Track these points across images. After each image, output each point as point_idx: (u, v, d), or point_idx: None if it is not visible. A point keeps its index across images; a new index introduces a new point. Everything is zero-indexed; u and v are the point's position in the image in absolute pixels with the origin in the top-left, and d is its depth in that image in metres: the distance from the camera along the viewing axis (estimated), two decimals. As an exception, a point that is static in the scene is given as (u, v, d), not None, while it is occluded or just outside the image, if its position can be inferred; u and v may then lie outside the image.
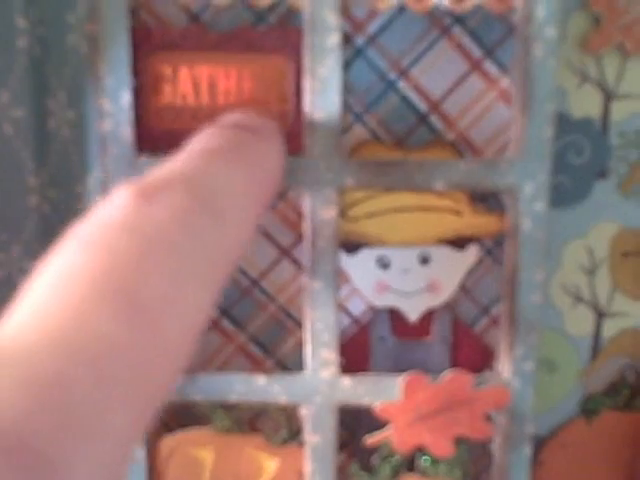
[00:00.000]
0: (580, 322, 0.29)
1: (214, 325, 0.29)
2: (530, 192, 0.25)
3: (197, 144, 0.21)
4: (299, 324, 0.29)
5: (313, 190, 0.25)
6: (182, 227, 0.18)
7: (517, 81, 0.25)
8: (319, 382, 0.26)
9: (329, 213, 0.25)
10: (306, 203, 0.25)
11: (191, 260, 0.18)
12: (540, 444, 0.30)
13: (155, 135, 0.26)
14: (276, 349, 0.29)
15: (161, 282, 0.17)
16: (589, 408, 0.30)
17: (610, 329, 0.30)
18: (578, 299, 0.29)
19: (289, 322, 0.29)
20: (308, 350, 0.26)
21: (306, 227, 0.25)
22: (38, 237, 0.27)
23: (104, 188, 0.25)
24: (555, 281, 0.29)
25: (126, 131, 0.24)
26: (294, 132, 0.25)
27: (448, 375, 0.26)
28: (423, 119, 0.27)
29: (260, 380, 0.26)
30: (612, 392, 0.30)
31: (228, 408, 0.27)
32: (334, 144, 0.24)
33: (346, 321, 0.29)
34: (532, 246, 0.25)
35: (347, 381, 0.26)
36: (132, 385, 0.16)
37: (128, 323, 0.16)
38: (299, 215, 0.28)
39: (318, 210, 0.25)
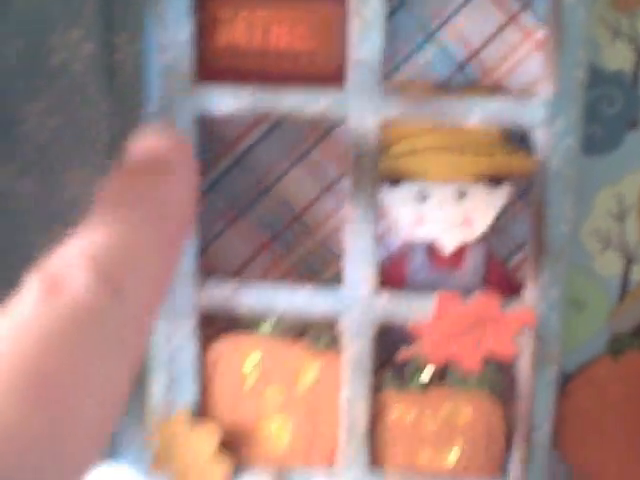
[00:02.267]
0: (609, 265, 0.31)
1: (261, 252, 0.31)
2: (560, 128, 0.27)
3: (103, 207, 0.22)
4: (340, 255, 0.31)
5: (356, 121, 0.27)
6: (88, 311, 0.19)
7: (550, 28, 0.27)
8: (357, 297, 0.29)
9: (370, 142, 0.27)
10: (349, 134, 0.27)
11: (99, 339, 0.19)
12: (567, 380, 0.32)
13: (210, 70, 0.28)
14: (320, 275, 0.31)
15: (69, 363, 0.19)
16: (616, 347, 0.32)
17: (638, 273, 0.31)
18: (608, 243, 0.31)
19: (330, 253, 0.31)
20: (348, 267, 0.28)
21: (348, 155, 0.28)
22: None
23: (164, 114, 0.28)
24: (586, 226, 0.31)
25: (185, 62, 0.27)
26: (339, 69, 0.28)
27: (478, 296, 0.28)
28: (461, 67, 0.30)
29: (303, 293, 0.29)
30: (638, 333, 0.32)
31: (275, 316, 0.29)
32: (376, 79, 0.27)
33: (385, 255, 0.31)
34: (560, 180, 0.27)
35: (384, 297, 0.29)
36: (52, 462, 0.18)
37: (38, 403, 0.18)
38: (342, 151, 0.30)
39: (360, 140, 0.27)
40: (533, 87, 0.29)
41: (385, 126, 0.28)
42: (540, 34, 0.29)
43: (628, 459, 0.32)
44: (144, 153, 0.24)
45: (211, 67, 0.28)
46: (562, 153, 0.27)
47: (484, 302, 0.28)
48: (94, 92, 0.29)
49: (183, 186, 0.23)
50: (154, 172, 0.23)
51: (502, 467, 0.30)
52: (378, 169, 0.28)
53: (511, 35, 0.29)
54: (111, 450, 0.33)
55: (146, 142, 0.24)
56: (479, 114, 0.27)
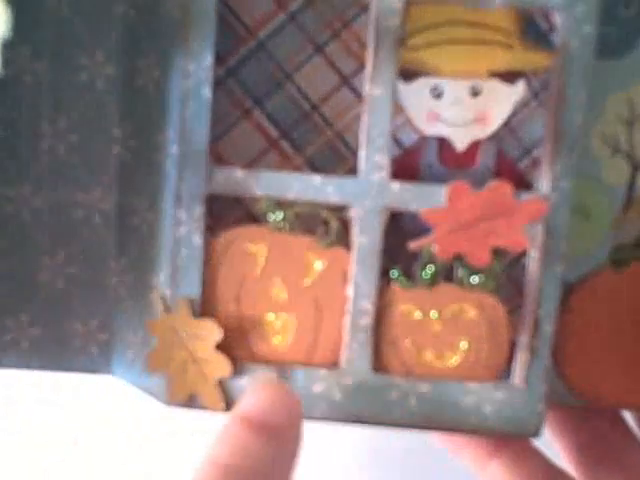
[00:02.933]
0: (616, 172, 0.31)
1: (274, 145, 0.31)
2: (580, 12, 0.27)
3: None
4: (353, 152, 0.31)
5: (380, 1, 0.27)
6: None
7: None
8: (370, 185, 0.28)
9: (393, 22, 0.27)
10: (372, 12, 0.27)
11: None
12: (569, 290, 0.32)
13: None
14: (331, 172, 0.31)
15: None
16: (618, 257, 0.32)
17: (644, 182, 0.31)
18: (616, 149, 0.31)
19: (344, 149, 0.31)
20: (362, 154, 0.28)
21: (370, 36, 0.27)
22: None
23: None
24: (595, 131, 0.31)
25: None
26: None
27: (491, 184, 0.28)
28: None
29: (316, 179, 0.29)
30: (641, 244, 0.32)
31: (284, 207, 0.29)
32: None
33: (398, 151, 0.31)
34: (579, 66, 0.27)
35: (396, 185, 0.28)
36: None
37: None
38: (361, 45, 0.30)
39: (383, 19, 0.27)
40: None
41: (407, 10, 0.28)
42: None
43: (622, 376, 0.32)
44: (255, 411, 0.27)
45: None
46: (581, 39, 0.27)
47: (496, 191, 0.28)
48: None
49: (287, 452, 0.27)
50: (262, 434, 0.26)
51: (506, 369, 0.30)
52: (399, 56, 0.28)
53: None
54: (103, 357, 0.32)
55: (257, 399, 0.27)
56: (502, -5, 0.27)
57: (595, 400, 0.32)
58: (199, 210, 0.29)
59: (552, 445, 0.35)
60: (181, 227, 0.29)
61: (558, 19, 0.27)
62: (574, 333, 0.32)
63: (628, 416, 0.35)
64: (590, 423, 0.34)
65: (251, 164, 0.31)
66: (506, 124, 0.30)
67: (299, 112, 0.31)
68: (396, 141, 0.31)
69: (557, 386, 0.32)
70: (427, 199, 0.28)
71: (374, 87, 0.28)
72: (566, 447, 0.35)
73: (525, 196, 0.28)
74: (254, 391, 0.28)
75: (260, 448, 0.26)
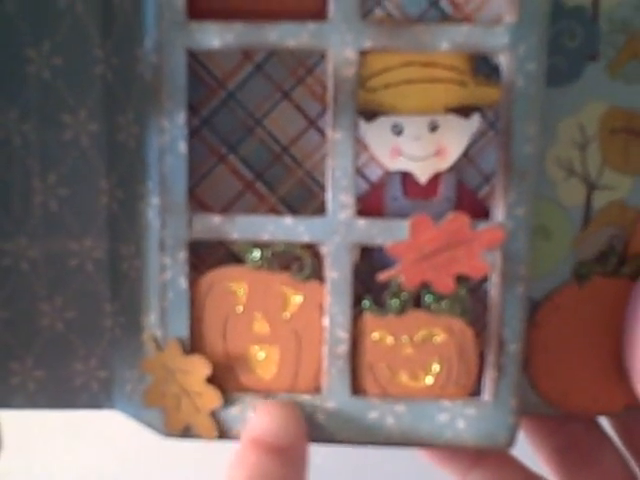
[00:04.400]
0: (573, 193, 0.33)
1: (249, 187, 0.33)
2: (523, 53, 0.29)
3: None
4: (323, 188, 0.33)
5: (336, 51, 0.29)
6: None
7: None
8: (337, 223, 0.30)
9: (349, 71, 0.29)
10: (330, 63, 0.29)
11: None
12: (535, 307, 0.33)
13: (200, 10, 0.30)
14: (302, 211, 0.33)
15: None
16: (580, 273, 0.33)
17: (600, 201, 0.33)
18: (571, 172, 0.33)
19: (314, 186, 0.33)
20: (328, 195, 0.30)
21: (329, 85, 0.29)
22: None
23: (158, 51, 0.29)
24: (550, 155, 0.33)
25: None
26: (323, 6, 0.30)
27: (449, 216, 0.30)
28: (434, 3, 0.31)
29: (287, 221, 0.31)
30: (602, 259, 0.34)
31: (260, 247, 0.31)
32: (355, 10, 0.29)
33: (364, 186, 0.33)
34: (525, 101, 0.29)
35: (362, 222, 0.30)
36: None
37: None
38: (325, 89, 0.32)
39: (340, 69, 0.29)
40: (500, 19, 0.30)
41: (361, 59, 0.30)
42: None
43: (592, 383, 0.34)
44: (267, 433, 0.29)
45: (202, 6, 0.30)
46: (525, 76, 0.29)
47: (454, 222, 0.30)
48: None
49: (300, 470, 0.29)
50: (275, 456, 0.28)
51: (477, 387, 0.32)
52: (357, 102, 0.30)
53: (478, -26, 0.31)
54: (103, 394, 0.34)
55: (267, 420, 0.29)
56: (449, 41, 0.29)
57: (567, 408, 0.34)
58: (182, 255, 0.31)
59: (531, 452, 0.37)
60: (166, 272, 0.31)
61: (502, 59, 0.29)
62: (543, 347, 0.34)
63: (604, 420, 0.37)
64: (565, 429, 0.36)
65: (229, 205, 0.33)
66: (465, 155, 0.32)
67: (271, 155, 0.33)
68: (363, 177, 0.33)
69: (530, 397, 0.34)
70: (392, 233, 0.30)
71: (335, 131, 0.30)
72: (543, 453, 0.36)
73: (482, 225, 0.30)
74: (262, 411, 0.30)
75: (275, 470, 0.28)
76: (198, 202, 0.33)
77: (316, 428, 0.32)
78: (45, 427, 0.50)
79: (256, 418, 0.30)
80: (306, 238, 0.31)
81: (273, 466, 0.28)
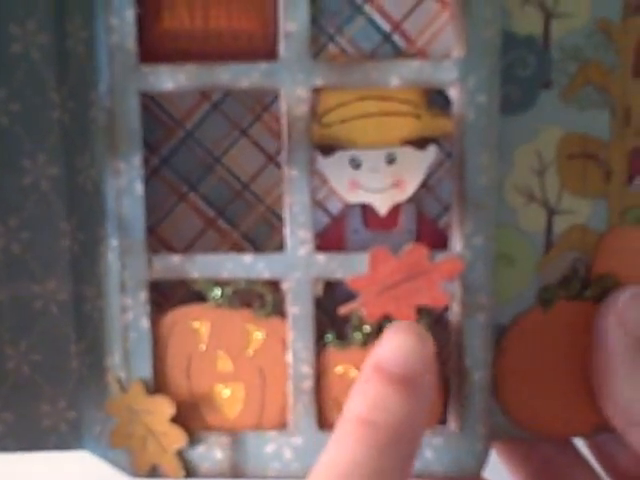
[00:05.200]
0: (533, 219, 0.33)
1: (211, 224, 0.33)
2: (472, 85, 0.29)
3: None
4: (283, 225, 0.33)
5: (288, 90, 0.29)
6: None
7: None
8: (297, 259, 0.30)
9: (302, 109, 0.29)
10: (282, 102, 0.30)
11: None
12: (502, 332, 0.34)
13: (153, 53, 0.30)
14: (265, 245, 0.33)
15: None
16: (545, 298, 0.34)
17: (560, 225, 0.33)
18: (530, 198, 0.33)
19: (276, 221, 0.33)
20: (287, 231, 0.30)
21: (282, 123, 0.30)
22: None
23: (112, 94, 0.30)
24: (508, 182, 0.33)
25: (130, 44, 0.29)
26: (275, 46, 0.30)
27: (408, 248, 0.30)
28: (387, 38, 0.32)
29: (247, 258, 0.31)
30: (565, 283, 0.34)
31: (221, 285, 0.31)
32: (305, 50, 0.29)
33: (325, 219, 0.33)
34: (475, 133, 0.29)
35: (321, 257, 0.31)
36: None
37: None
38: (281, 125, 0.32)
39: (293, 107, 0.29)
40: (450, 53, 0.31)
41: (316, 95, 0.30)
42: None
43: (561, 406, 0.34)
44: (393, 361, 0.27)
45: (155, 49, 0.30)
46: (475, 109, 0.29)
47: (413, 254, 0.30)
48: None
49: (423, 405, 0.27)
50: (400, 388, 0.27)
51: (443, 418, 0.32)
52: (311, 138, 0.30)
53: (430, 7, 0.31)
54: (72, 435, 0.34)
55: (394, 347, 0.27)
56: (399, 76, 0.29)
57: (538, 432, 0.34)
58: (143, 295, 0.31)
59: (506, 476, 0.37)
60: (128, 313, 0.31)
61: (452, 93, 0.30)
62: (511, 371, 0.34)
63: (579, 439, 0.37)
64: (538, 451, 0.36)
65: (192, 243, 0.33)
66: (424, 185, 0.32)
67: (231, 191, 0.33)
68: (325, 210, 0.33)
69: (501, 421, 0.34)
70: (352, 267, 0.30)
71: (291, 168, 0.30)
72: (518, 477, 0.36)
73: (440, 256, 0.30)
74: (391, 336, 0.28)
75: (398, 403, 0.26)
76: (160, 241, 0.33)
77: (285, 465, 0.32)
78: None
79: (384, 343, 0.28)
80: (266, 275, 0.31)
81: (397, 399, 0.26)
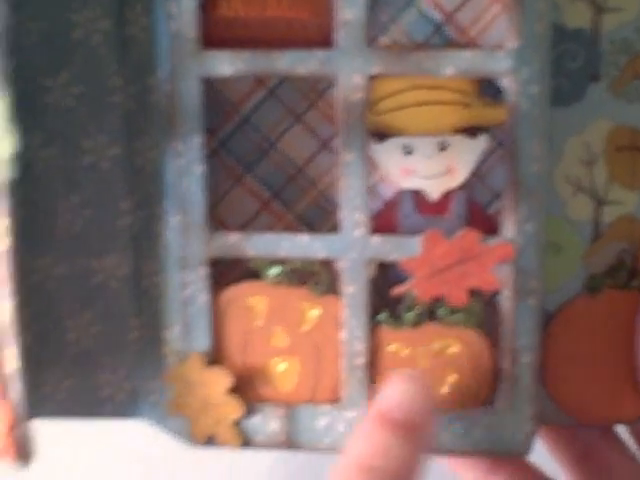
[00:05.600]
0: (581, 209, 0.34)
1: (266, 206, 0.34)
2: (525, 76, 0.30)
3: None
4: (337, 207, 0.34)
5: (345, 77, 0.30)
6: None
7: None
8: (352, 240, 0.32)
9: (358, 96, 0.31)
10: (339, 89, 0.31)
11: None
12: (549, 320, 0.34)
13: (213, 39, 0.31)
14: (318, 228, 0.34)
15: None
16: (592, 286, 0.34)
17: (608, 216, 0.34)
18: (579, 188, 0.34)
19: (328, 205, 0.34)
20: (343, 213, 0.31)
21: (338, 109, 0.31)
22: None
23: (172, 79, 0.31)
24: (558, 172, 0.34)
25: (191, 30, 0.31)
26: (325, 31, 0.31)
27: (461, 232, 0.31)
28: (438, 29, 0.33)
29: (304, 238, 0.32)
30: (612, 273, 0.34)
31: (278, 263, 0.32)
32: (362, 38, 0.30)
33: (377, 204, 0.34)
34: (528, 122, 0.30)
35: (376, 239, 0.32)
36: None
37: None
38: (336, 111, 0.33)
39: (349, 94, 0.31)
40: (501, 44, 0.31)
41: (371, 83, 0.31)
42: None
43: (607, 393, 0.35)
44: (395, 408, 0.28)
45: (211, 36, 0.31)
46: (528, 99, 0.30)
47: (466, 238, 0.31)
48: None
49: (423, 451, 0.28)
50: (402, 434, 0.28)
51: (491, 398, 0.33)
52: (366, 124, 0.31)
53: (482, -2, 0.32)
54: (130, 404, 0.36)
55: (396, 394, 0.28)
56: (453, 66, 0.30)
57: (583, 418, 0.35)
58: (203, 272, 0.32)
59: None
60: (188, 288, 0.32)
61: (506, 83, 0.30)
62: (557, 358, 0.34)
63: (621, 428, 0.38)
64: (581, 437, 0.37)
65: (247, 224, 0.34)
66: (474, 173, 0.33)
67: (286, 175, 0.34)
68: (376, 195, 0.34)
69: (548, 406, 0.34)
70: (405, 249, 0.31)
71: (347, 153, 0.31)
72: (561, 461, 0.37)
73: (492, 241, 0.31)
74: (394, 385, 0.29)
75: (400, 449, 0.27)
76: (217, 222, 0.34)
77: (337, 438, 0.33)
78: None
79: (386, 391, 0.29)
80: (322, 255, 0.32)
81: (397, 445, 0.27)
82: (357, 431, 0.28)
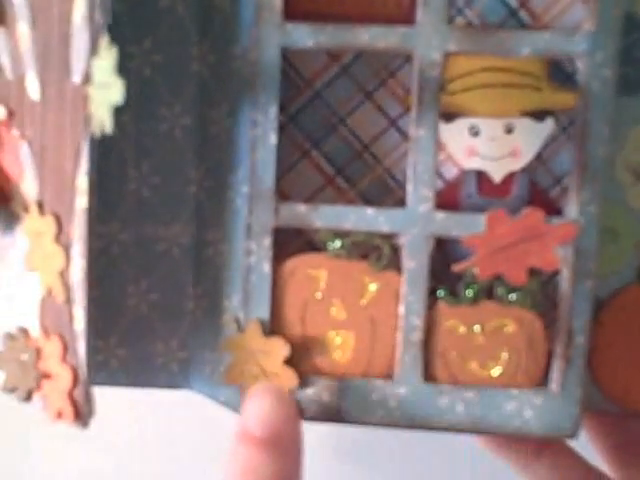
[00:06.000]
0: (639, 197, 0.34)
1: (330, 181, 0.35)
2: (600, 58, 0.30)
3: None
4: (400, 185, 0.35)
5: (423, 53, 0.31)
6: None
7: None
8: (417, 215, 0.32)
9: (435, 72, 0.31)
10: (416, 64, 0.31)
11: None
12: (600, 306, 0.35)
13: (295, 11, 0.32)
14: (379, 205, 0.35)
15: None
16: (645, 276, 0.35)
17: (667, 205, 0.35)
18: (639, 177, 0.34)
19: (392, 183, 0.35)
20: (410, 188, 0.32)
21: (414, 85, 0.31)
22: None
23: (256, 48, 0.32)
24: (619, 160, 0.34)
25: (277, 1, 0.31)
26: (410, 10, 0.32)
27: (525, 211, 0.31)
28: (513, 13, 0.33)
29: (369, 211, 0.32)
30: (666, 262, 0.35)
31: (341, 236, 0.33)
32: (442, 16, 0.31)
33: (441, 183, 0.34)
34: (599, 105, 0.31)
35: (440, 215, 0.32)
36: None
37: None
38: (405, 91, 0.34)
39: (426, 70, 0.31)
40: (575, 30, 0.32)
41: (447, 61, 0.31)
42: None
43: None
44: (257, 425, 0.29)
45: (294, 9, 0.32)
46: (601, 82, 0.31)
47: (530, 217, 0.31)
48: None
49: (293, 459, 0.29)
50: (267, 450, 0.28)
51: (544, 377, 0.33)
52: (439, 101, 0.32)
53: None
54: (183, 373, 0.36)
55: (257, 411, 0.29)
56: (529, 47, 0.31)
57: (628, 406, 0.35)
58: (268, 241, 0.33)
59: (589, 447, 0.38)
60: (251, 257, 0.33)
61: (580, 65, 0.31)
62: (606, 345, 0.35)
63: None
64: (624, 426, 0.37)
65: (311, 198, 0.35)
66: (537, 157, 0.34)
67: (352, 152, 0.35)
68: (439, 175, 0.34)
69: (592, 393, 0.35)
70: (468, 226, 0.32)
71: (419, 129, 0.32)
72: (602, 449, 0.38)
73: (556, 221, 0.32)
74: (250, 401, 0.30)
75: (267, 464, 0.28)
76: (281, 194, 0.35)
77: (388, 412, 0.33)
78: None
79: (245, 409, 0.30)
80: (386, 229, 0.32)
81: (265, 460, 0.28)
82: (228, 453, 0.29)
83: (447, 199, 0.34)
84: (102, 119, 0.28)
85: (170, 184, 0.35)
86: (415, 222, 0.32)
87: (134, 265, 0.35)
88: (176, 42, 0.34)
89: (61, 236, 0.31)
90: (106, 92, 0.27)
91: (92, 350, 0.33)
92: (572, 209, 0.32)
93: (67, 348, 0.32)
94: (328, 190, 0.35)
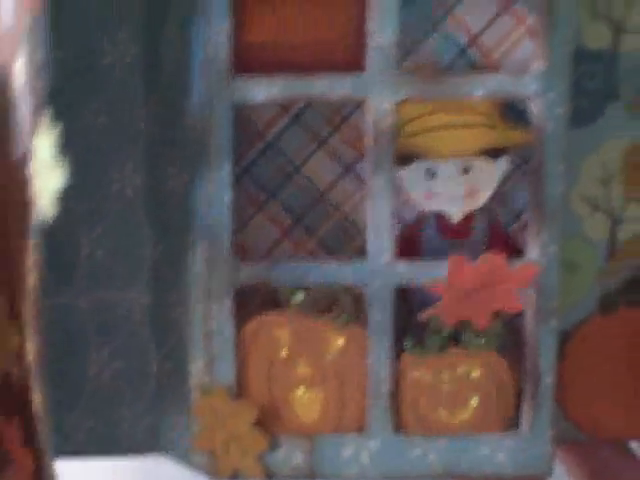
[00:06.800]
0: (597, 228, 0.35)
1: (288, 233, 0.34)
2: (552, 99, 0.30)
3: None
4: (360, 230, 0.34)
5: (375, 102, 0.30)
6: None
7: (541, 13, 0.30)
8: (379, 265, 0.32)
9: (388, 122, 0.31)
10: (368, 114, 0.31)
11: None
12: (564, 339, 0.35)
13: (244, 64, 0.31)
14: (340, 252, 0.34)
15: None
16: (606, 304, 0.35)
17: (624, 233, 0.35)
18: (595, 207, 0.34)
19: (352, 229, 0.34)
20: (370, 238, 0.31)
21: (368, 133, 0.31)
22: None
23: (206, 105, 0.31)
24: (575, 192, 0.34)
25: (223, 56, 0.30)
26: (358, 56, 0.31)
27: (485, 255, 0.31)
28: (463, 52, 0.33)
29: (332, 264, 0.32)
30: (627, 290, 0.35)
31: (303, 290, 0.32)
32: (392, 63, 0.30)
33: (401, 227, 0.34)
34: (554, 145, 0.31)
35: (402, 264, 0.32)
36: None
37: None
38: (359, 136, 0.33)
39: (379, 120, 0.31)
40: (525, 66, 0.32)
41: (400, 106, 0.31)
42: (530, 19, 0.32)
43: (621, 410, 0.35)
44: None
45: (245, 60, 0.31)
46: (554, 121, 0.31)
47: (491, 261, 0.31)
48: (139, 92, 0.33)
49: None
50: None
51: (514, 420, 0.33)
52: (394, 149, 0.31)
53: (506, 22, 0.33)
54: (150, 438, 0.35)
55: None
56: (482, 89, 0.30)
57: (599, 435, 0.35)
58: (228, 302, 0.32)
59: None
60: (213, 320, 0.32)
61: (532, 105, 0.31)
62: (572, 376, 0.35)
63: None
64: (596, 453, 0.37)
65: (270, 250, 0.34)
66: (495, 195, 0.33)
67: (309, 200, 0.34)
68: (400, 218, 0.34)
69: (563, 425, 0.35)
70: (430, 273, 0.31)
71: (375, 178, 0.31)
72: (576, 477, 0.38)
73: (517, 263, 0.31)
74: None
75: None
76: (239, 248, 0.34)
77: (360, 468, 0.33)
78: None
79: None
80: (349, 281, 0.32)
81: None
82: None
83: (408, 242, 0.34)
84: (45, 206, 0.27)
85: (124, 245, 0.34)
86: (378, 273, 0.32)
87: (94, 332, 0.34)
88: (122, 101, 0.33)
89: (14, 315, 0.30)
90: (48, 177, 0.26)
91: (53, 429, 0.32)
92: (533, 250, 0.31)
93: (28, 431, 0.31)
94: (288, 241, 0.34)
